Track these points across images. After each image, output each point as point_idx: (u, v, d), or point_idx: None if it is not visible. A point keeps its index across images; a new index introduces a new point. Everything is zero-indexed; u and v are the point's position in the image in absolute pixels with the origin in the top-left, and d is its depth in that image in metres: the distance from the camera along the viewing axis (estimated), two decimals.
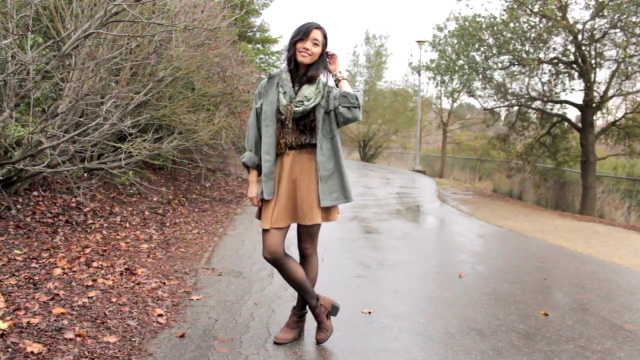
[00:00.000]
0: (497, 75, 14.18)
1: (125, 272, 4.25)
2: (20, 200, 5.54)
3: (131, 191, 7.42)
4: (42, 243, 4.67)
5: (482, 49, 13.62)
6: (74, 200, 6.06)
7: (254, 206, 3.07)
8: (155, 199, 7.52)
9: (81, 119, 5.42)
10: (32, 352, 2.65)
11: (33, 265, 4.05)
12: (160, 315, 3.46)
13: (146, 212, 6.72)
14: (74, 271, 4.07)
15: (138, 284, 4.03)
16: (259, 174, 3.06)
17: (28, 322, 2.98)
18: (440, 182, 18.50)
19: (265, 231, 2.96)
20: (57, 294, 3.50)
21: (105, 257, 4.63)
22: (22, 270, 3.89)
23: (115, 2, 4.24)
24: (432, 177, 20.55)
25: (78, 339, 2.91)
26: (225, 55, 7.63)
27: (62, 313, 3.21)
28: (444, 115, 25.76)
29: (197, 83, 7.42)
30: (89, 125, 4.96)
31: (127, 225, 5.97)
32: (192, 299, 3.86)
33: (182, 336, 3.15)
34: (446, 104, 25.78)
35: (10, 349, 2.65)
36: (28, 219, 5.17)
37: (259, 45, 19.19)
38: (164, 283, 4.16)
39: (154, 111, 6.77)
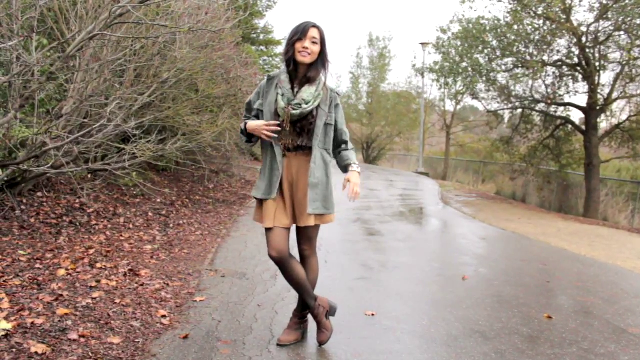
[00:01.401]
0: (501, 78, 14.14)
1: (129, 273, 4.26)
2: (25, 201, 5.56)
3: (134, 192, 7.44)
4: (46, 244, 4.68)
5: (485, 51, 13.55)
6: (77, 201, 6.09)
7: (272, 129, 2.90)
8: (158, 200, 7.55)
9: (85, 120, 5.44)
10: (36, 353, 2.66)
11: (37, 265, 4.07)
12: (163, 316, 3.47)
13: (150, 213, 6.74)
14: (77, 272, 4.09)
15: (142, 285, 4.04)
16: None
17: (32, 323, 2.99)
18: (443, 184, 18.41)
19: (269, 230, 2.95)
20: (61, 295, 3.51)
21: (109, 258, 4.64)
22: (27, 271, 3.90)
23: (120, 4, 4.26)
24: (435, 179, 20.49)
25: (82, 339, 2.92)
26: (228, 57, 7.65)
27: (66, 314, 3.22)
28: (448, 118, 25.73)
29: (201, 85, 7.44)
30: (93, 127, 4.98)
31: (131, 226, 5.99)
32: (196, 300, 3.87)
33: (185, 337, 3.15)
34: (449, 106, 25.85)
35: (14, 350, 2.66)
36: (32, 220, 5.19)
37: (262, 47, 19.16)
38: (168, 284, 4.16)
39: (158, 112, 6.79)
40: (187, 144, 6.94)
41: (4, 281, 3.63)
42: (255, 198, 3.05)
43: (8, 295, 3.36)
